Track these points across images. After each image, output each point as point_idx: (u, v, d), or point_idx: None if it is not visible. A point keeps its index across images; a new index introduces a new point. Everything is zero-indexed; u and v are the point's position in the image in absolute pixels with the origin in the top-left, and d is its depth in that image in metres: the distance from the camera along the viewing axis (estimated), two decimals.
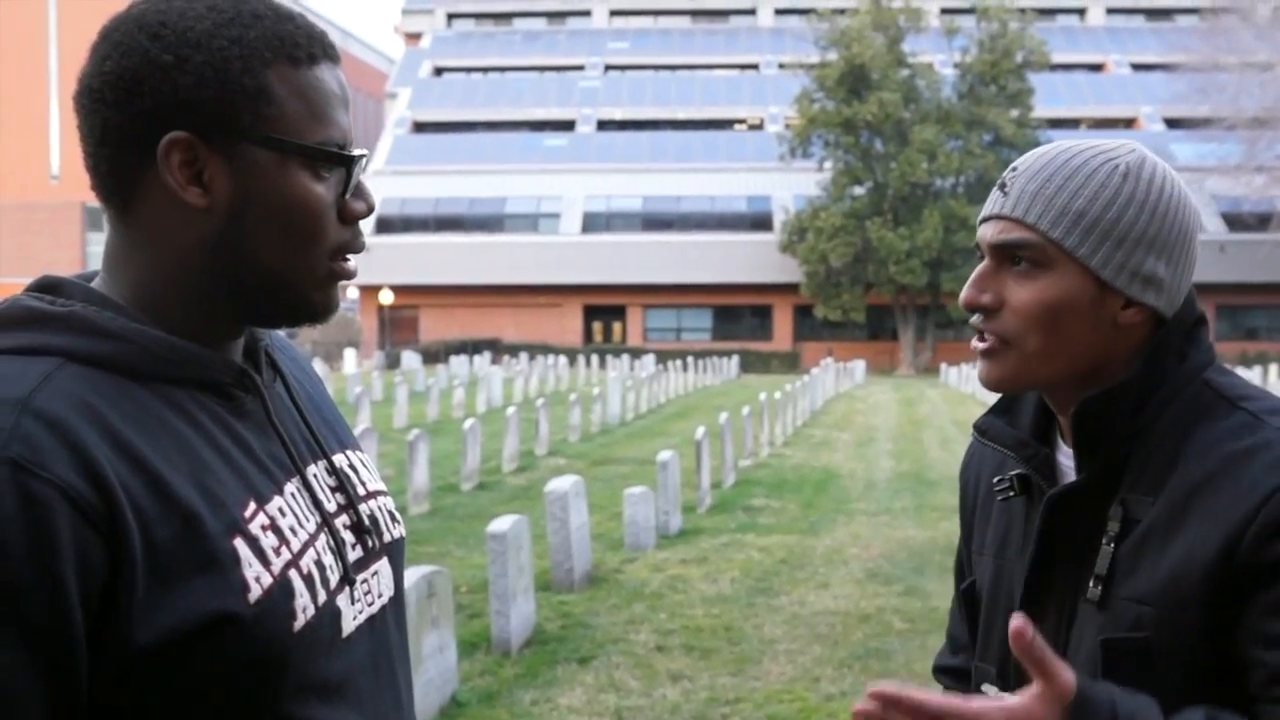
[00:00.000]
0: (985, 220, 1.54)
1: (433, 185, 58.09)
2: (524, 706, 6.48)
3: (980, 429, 1.64)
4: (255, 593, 1.21)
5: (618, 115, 64.22)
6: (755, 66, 67.70)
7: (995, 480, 1.65)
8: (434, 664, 6.39)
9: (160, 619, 1.17)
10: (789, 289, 54.12)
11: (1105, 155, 1.50)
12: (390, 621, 1.44)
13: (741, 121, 64.00)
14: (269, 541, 1.25)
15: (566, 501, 9.24)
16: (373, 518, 1.45)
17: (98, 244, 75.16)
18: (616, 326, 57.84)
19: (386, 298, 54.54)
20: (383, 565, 1.44)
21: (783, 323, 57.17)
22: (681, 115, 64.03)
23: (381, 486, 1.52)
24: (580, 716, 6.34)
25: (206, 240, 1.28)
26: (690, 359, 43.49)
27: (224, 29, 1.25)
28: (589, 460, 18.12)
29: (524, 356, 43.95)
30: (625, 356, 44.86)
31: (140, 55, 1.24)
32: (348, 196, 1.34)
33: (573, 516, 9.30)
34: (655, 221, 56.63)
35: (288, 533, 1.28)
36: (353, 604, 1.35)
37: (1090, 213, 1.47)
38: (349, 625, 1.33)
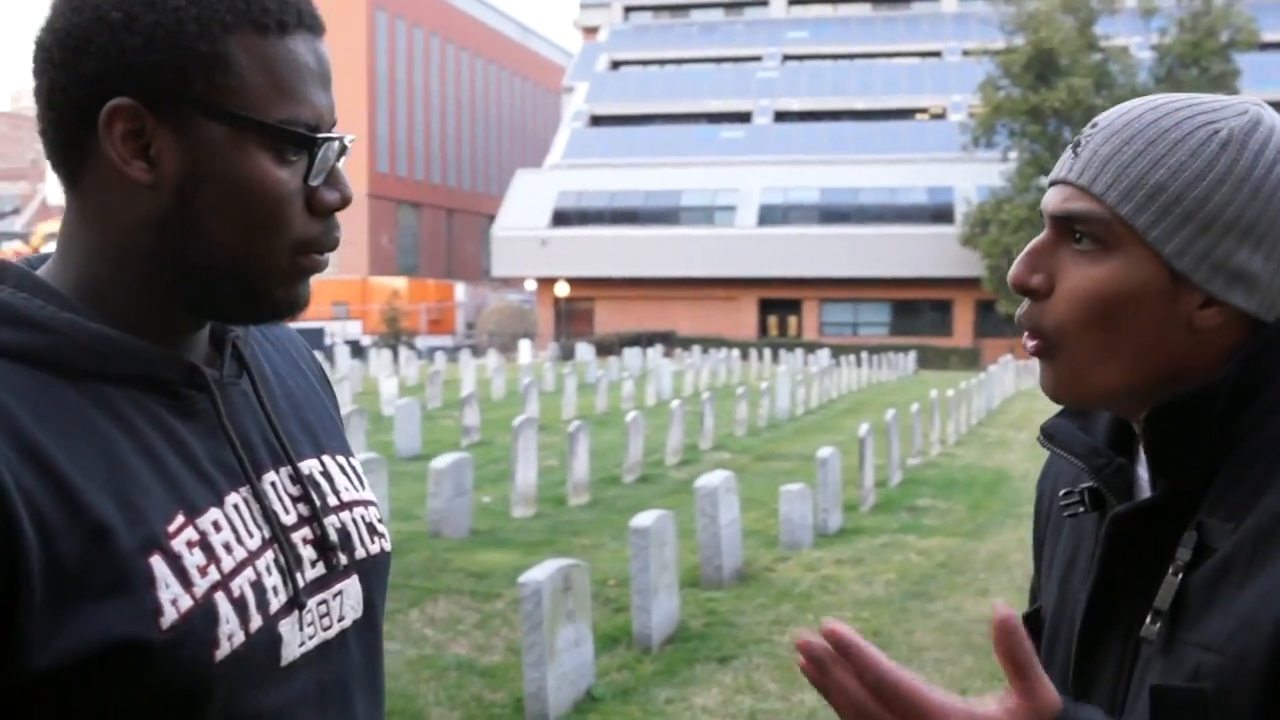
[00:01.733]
0: (1053, 184, 1.30)
1: (609, 178, 58.38)
2: (658, 705, 6.35)
3: (1047, 433, 1.39)
4: (169, 617, 1.08)
5: (795, 106, 63.65)
6: (938, 54, 66.37)
7: (1063, 493, 1.40)
8: (569, 658, 6.31)
9: (58, 643, 1.04)
10: (970, 283, 52.85)
11: (1206, 116, 1.23)
12: (353, 647, 1.29)
13: (923, 111, 62.80)
14: (194, 560, 1.12)
15: (716, 497, 9.07)
16: (343, 531, 1.30)
17: None
18: (792, 320, 57.32)
19: (562, 290, 55.05)
20: (350, 584, 1.30)
21: (963, 318, 55.91)
22: (861, 105, 63.14)
23: (365, 496, 1.38)
24: (714, 718, 6.18)
25: (152, 221, 1.15)
26: (866, 354, 42.85)
27: None
28: (753, 455, 17.91)
29: (696, 350, 43.81)
30: (799, 350, 44.42)
31: (91, 11, 1.12)
32: (319, 185, 1.19)
33: (722, 512, 9.12)
34: (833, 214, 55.92)
35: (220, 550, 1.15)
36: (300, 629, 1.20)
37: (1171, 187, 1.20)
38: (291, 653, 1.19)
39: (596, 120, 65.07)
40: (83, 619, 1.05)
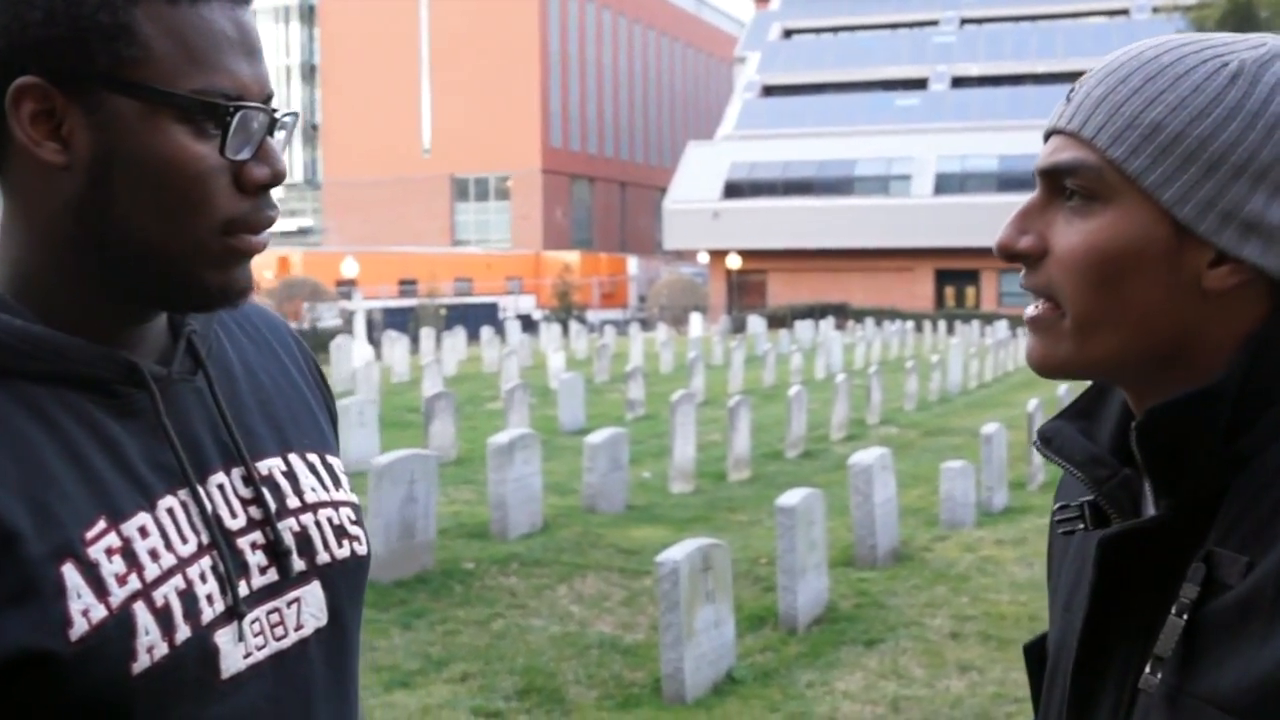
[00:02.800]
0: (1047, 139, 1.13)
1: (781, 149, 57.85)
2: (799, 688, 6.21)
3: (1044, 436, 1.18)
4: (79, 629, 1.02)
5: (974, 71, 62.10)
6: (1125, 12, 64.06)
7: (1058, 506, 1.20)
8: (707, 638, 6.21)
9: None
10: None
11: (1215, 51, 1.04)
12: (315, 657, 1.21)
13: None
14: (113, 567, 1.05)
15: (871, 474, 8.86)
16: (303, 535, 1.22)
17: (465, 214, 79.12)
18: (969, 291, 56.13)
19: (734, 262, 54.82)
20: (310, 591, 1.21)
21: None
22: (1042, 69, 61.26)
23: (337, 497, 1.29)
24: (855, 703, 6.01)
25: (69, 205, 1.08)
26: None
27: None
28: (921, 430, 17.58)
29: (869, 322, 43.22)
30: (975, 322, 43.47)
31: None
32: (247, 160, 1.11)
33: (877, 490, 8.91)
34: (1012, 182, 54.37)
35: (144, 556, 1.08)
36: (241, 640, 1.13)
37: (1169, 125, 1.02)
38: (234, 665, 1.12)
39: (769, 90, 64.47)
40: None
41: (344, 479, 1.33)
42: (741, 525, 10.47)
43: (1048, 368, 1.12)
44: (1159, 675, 1.02)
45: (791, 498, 7.45)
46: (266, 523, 1.19)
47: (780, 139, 58.57)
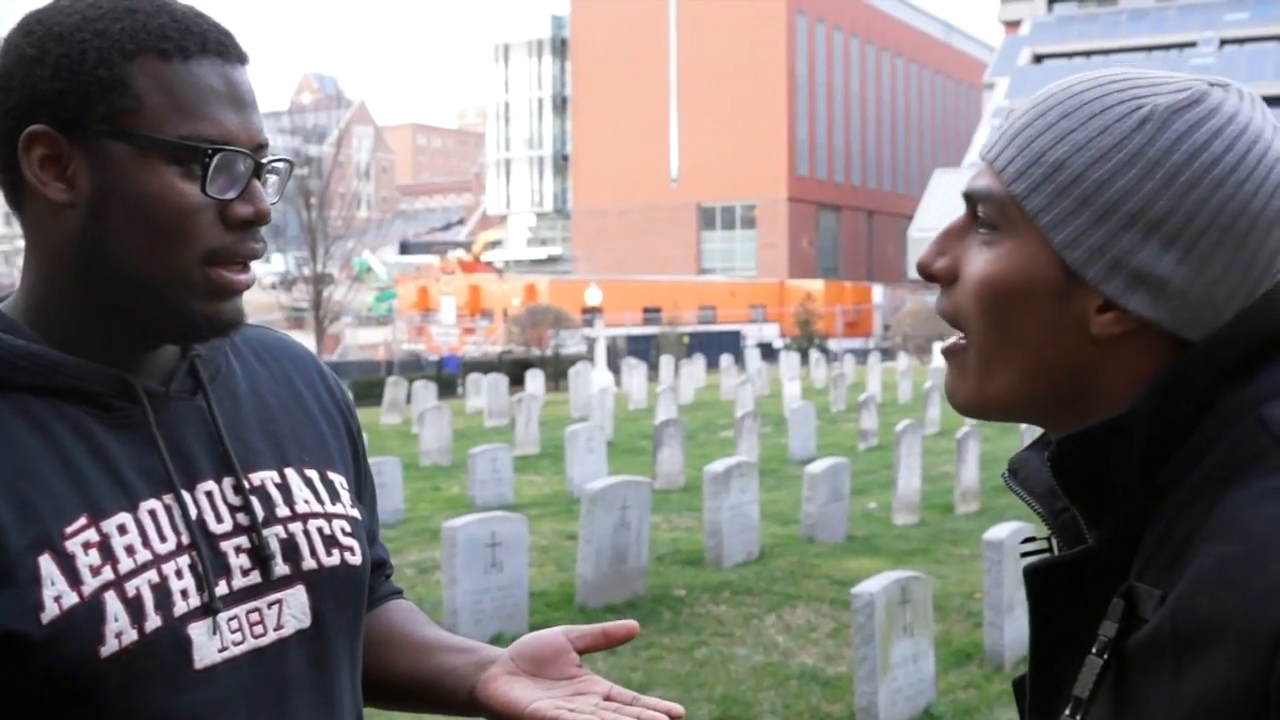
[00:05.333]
0: None
1: None
2: None
3: (1012, 468, 1.17)
4: (50, 613, 1.16)
5: None
6: None
7: (1022, 540, 1.21)
8: (904, 673, 6.18)
9: None
10: None
11: (1138, 91, 1.02)
12: (295, 656, 1.33)
13: None
14: (88, 559, 1.19)
15: None
16: (289, 542, 1.34)
17: (711, 242, 79.67)
18: None
19: None
20: (293, 595, 1.33)
21: None
22: None
23: (330, 510, 1.41)
24: None
25: (73, 239, 1.25)
26: None
27: (91, 23, 1.23)
28: None
29: None
30: None
31: (13, 51, 1.24)
32: (233, 200, 1.26)
33: None
34: None
35: (120, 551, 1.21)
36: (216, 634, 1.25)
37: (1072, 165, 1.01)
38: (209, 656, 1.25)
39: None
40: None
41: (345, 494, 1.44)
42: (962, 559, 10.30)
43: (957, 403, 1.13)
44: (1077, 718, 1.01)
45: (1000, 531, 7.34)
46: (252, 528, 1.32)
47: None
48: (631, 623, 1.42)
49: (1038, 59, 66.82)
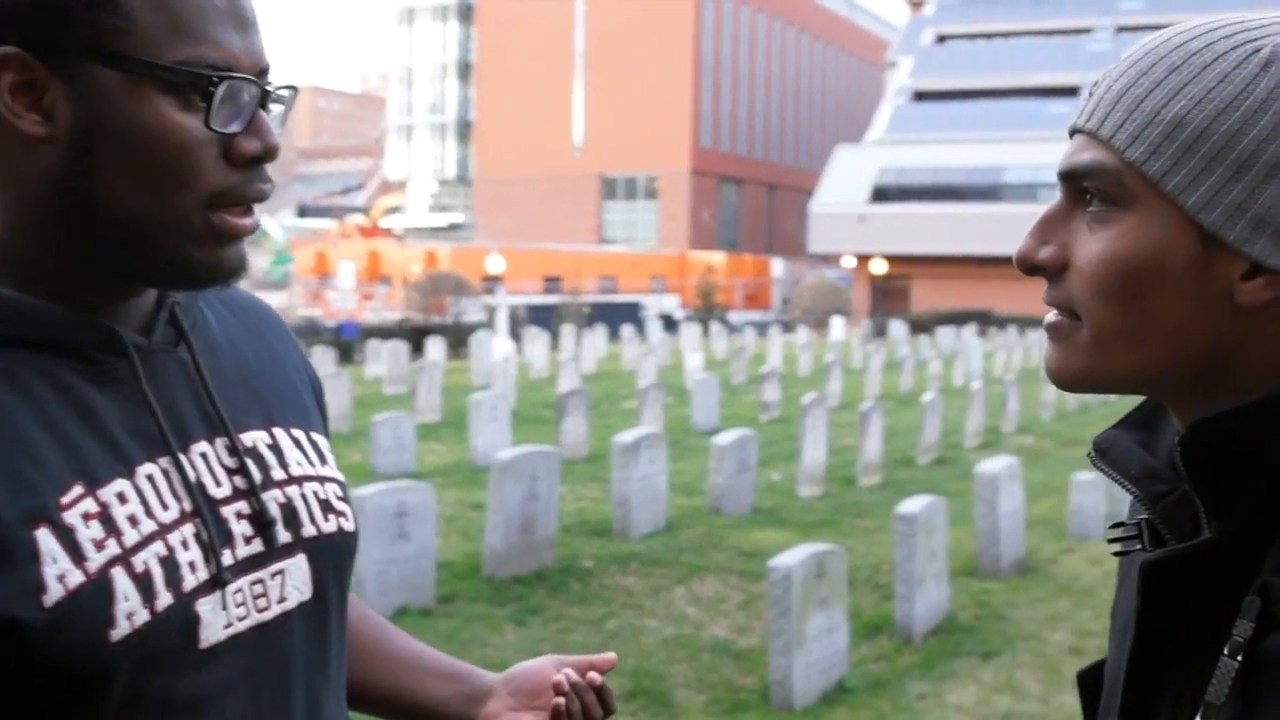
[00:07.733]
0: (1071, 136, 1.02)
1: (931, 154, 57.10)
2: (909, 699, 6.12)
3: (1099, 447, 1.07)
4: (55, 594, 1.01)
5: None
6: None
7: (1111, 525, 1.10)
8: (819, 646, 6.16)
9: None
10: None
11: (1248, 35, 0.93)
12: (297, 631, 1.21)
13: None
14: (90, 533, 1.05)
15: (997, 484, 8.71)
16: (289, 507, 1.22)
17: (613, 213, 79.60)
18: None
19: (879, 267, 54.26)
20: (295, 564, 1.21)
21: None
22: None
23: (323, 472, 1.28)
24: (966, 717, 5.92)
25: (51, 177, 1.07)
26: None
27: None
28: (1058, 440, 17.19)
29: (1012, 330, 42.42)
30: None
31: None
32: (238, 133, 1.10)
33: (1003, 500, 8.75)
34: None
35: (123, 522, 1.07)
36: (224, 609, 1.12)
37: (1193, 121, 0.91)
38: (215, 634, 1.12)
39: (920, 95, 63.65)
40: None
41: (330, 456, 1.32)
42: (867, 531, 10.35)
43: (1063, 379, 1.03)
44: None
45: (912, 505, 7.36)
46: (251, 493, 1.18)
47: (930, 144, 57.82)
48: (611, 655, 1.48)
49: (941, 39, 67.57)
